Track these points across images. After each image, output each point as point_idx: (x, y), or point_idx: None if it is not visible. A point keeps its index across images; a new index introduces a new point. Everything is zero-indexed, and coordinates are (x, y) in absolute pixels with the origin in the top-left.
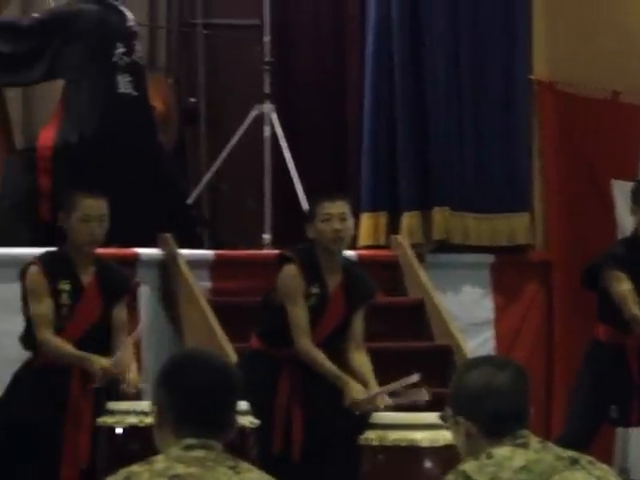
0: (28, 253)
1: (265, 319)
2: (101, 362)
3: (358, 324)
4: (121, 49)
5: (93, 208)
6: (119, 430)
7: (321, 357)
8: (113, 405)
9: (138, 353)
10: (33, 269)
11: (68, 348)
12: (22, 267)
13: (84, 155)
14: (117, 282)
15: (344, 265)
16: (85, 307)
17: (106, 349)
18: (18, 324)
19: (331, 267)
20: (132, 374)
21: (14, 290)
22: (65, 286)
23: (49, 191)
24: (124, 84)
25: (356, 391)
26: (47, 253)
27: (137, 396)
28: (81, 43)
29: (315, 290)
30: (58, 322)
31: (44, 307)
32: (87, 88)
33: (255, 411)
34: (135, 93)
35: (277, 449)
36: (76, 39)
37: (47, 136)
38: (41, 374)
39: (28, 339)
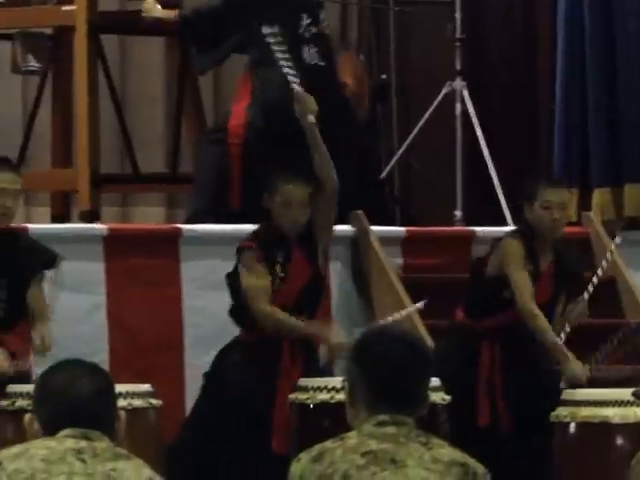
0: (218, 230)
1: (471, 290)
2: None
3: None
4: (307, 20)
5: (294, 194)
6: (310, 406)
7: (541, 315)
8: (305, 381)
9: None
10: (248, 251)
11: (292, 319)
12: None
13: (274, 130)
14: None
15: (555, 244)
16: (294, 275)
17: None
18: (212, 300)
19: (544, 247)
20: None
21: (210, 266)
22: (279, 260)
23: (239, 174)
24: (310, 55)
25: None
26: (257, 232)
27: None
28: (268, 15)
29: (528, 268)
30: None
31: (260, 281)
32: (274, 61)
33: (451, 385)
34: (322, 63)
35: (483, 422)
36: (263, 11)
37: (237, 114)
38: (251, 348)
39: (238, 315)
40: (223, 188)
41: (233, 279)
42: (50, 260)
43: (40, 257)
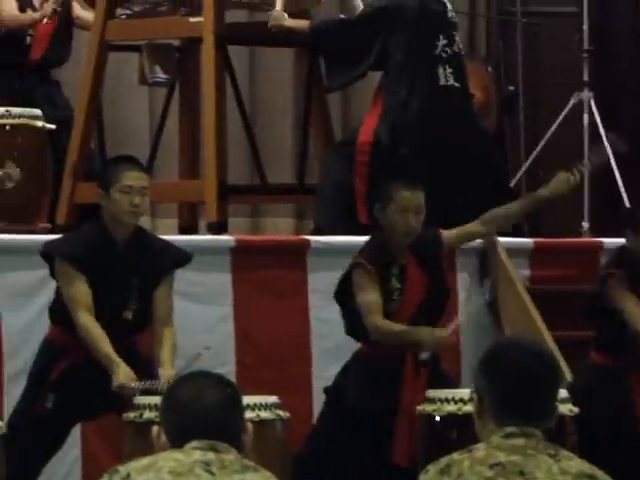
0: (345, 241)
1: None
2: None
3: None
4: (443, 41)
5: (409, 199)
6: (437, 418)
7: None
8: (433, 393)
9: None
10: (357, 267)
11: (403, 328)
12: (350, 263)
13: (404, 149)
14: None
15: None
16: (409, 288)
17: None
18: (339, 312)
19: None
20: None
21: (337, 278)
22: (393, 273)
23: (365, 191)
24: (446, 76)
25: None
26: (368, 245)
27: None
28: (404, 35)
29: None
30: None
31: (372, 296)
32: (407, 80)
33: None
34: (457, 85)
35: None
36: (399, 31)
37: (367, 131)
38: (373, 362)
39: (355, 331)
40: (350, 202)
41: (344, 297)
42: (182, 259)
43: (171, 256)
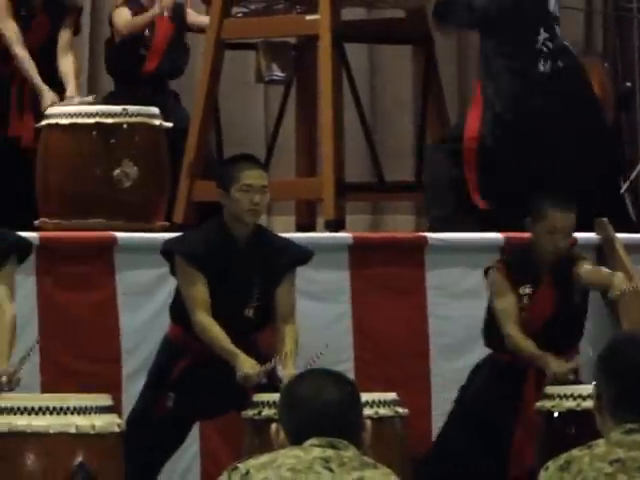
0: (462, 238)
1: None
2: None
3: None
4: (544, 34)
5: (560, 220)
6: (556, 414)
7: None
8: (552, 389)
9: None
10: (495, 271)
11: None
12: (485, 267)
13: (510, 144)
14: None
15: None
16: (538, 306)
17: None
18: (457, 309)
19: None
20: None
21: (455, 274)
22: (526, 290)
23: (476, 180)
24: (547, 69)
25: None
26: (511, 254)
27: None
28: (504, 29)
29: None
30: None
31: (508, 304)
32: (509, 74)
33: None
34: (561, 78)
35: None
36: (499, 25)
37: (471, 124)
38: (499, 368)
39: (489, 336)
40: (461, 197)
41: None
42: (303, 257)
43: (292, 254)
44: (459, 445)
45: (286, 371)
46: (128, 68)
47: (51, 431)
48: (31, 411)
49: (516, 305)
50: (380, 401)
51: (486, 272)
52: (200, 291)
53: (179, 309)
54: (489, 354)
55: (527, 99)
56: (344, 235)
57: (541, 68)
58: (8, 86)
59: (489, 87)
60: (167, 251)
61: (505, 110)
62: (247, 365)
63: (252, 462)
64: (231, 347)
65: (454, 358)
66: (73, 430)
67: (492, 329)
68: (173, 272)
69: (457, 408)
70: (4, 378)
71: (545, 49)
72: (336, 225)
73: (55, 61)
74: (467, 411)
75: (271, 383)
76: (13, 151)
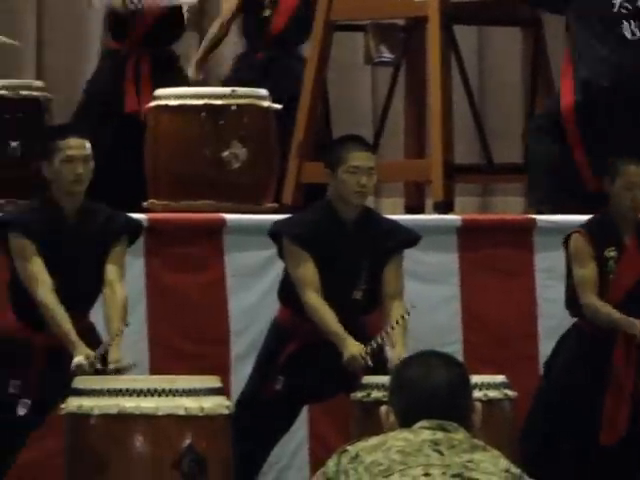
0: (571, 220)
1: None
2: None
3: None
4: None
5: (636, 175)
6: None
7: None
8: None
9: None
10: (576, 237)
11: (613, 316)
12: (566, 235)
13: (605, 110)
14: None
15: None
16: (624, 269)
17: None
18: (560, 291)
19: None
20: None
21: (563, 257)
22: (611, 253)
23: (585, 160)
24: (632, 30)
25: None
26: (591, 220)
27: None
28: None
29: None
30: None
31: (588, 272)
32: (593, 39)
33: None
34: None
35: None
36: None
37: (565, 95)
38: (585, 338)
39: (573, 305)
40: (567, 176)
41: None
42: (411, 239)
43: (400, 236)
44: (548, 421)
45: (395, 350)
46: (250, 28)
47: (160, 413)
48: (140, 393)
49: (596, 273)
50: (489, 383)
51: (566, 240)
52: (309, 272)
53: (288, 292)
54: (573, 324)
55: (616, 62)
56: (453, 217)
57: (626, 31)
58: (123, 62)
59: (575, 53)
60: (275, 233)
61: (595, 75)
62: (353, 348)
63: (361, 445)
64: (339, 329)
65: None
66: (182, 412)
67: (575, 298)
68: (281, 254)
69: (544, 384)
70: (112, 366)
71: (624, 11)
72: (445, 207)
73: None
74: (555, 385)
75: (379, 365)
76: (127, 130)
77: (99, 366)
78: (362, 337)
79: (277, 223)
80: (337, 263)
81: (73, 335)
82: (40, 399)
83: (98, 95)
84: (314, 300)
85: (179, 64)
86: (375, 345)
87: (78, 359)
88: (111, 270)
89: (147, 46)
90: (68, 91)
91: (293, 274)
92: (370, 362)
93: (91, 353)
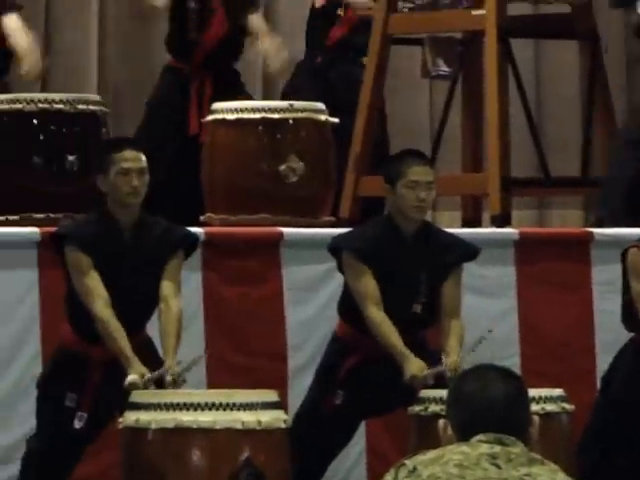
0: (629, 233)
1: None
2: None
3: None
4: None
5: None
6: None
7: None
8: None
9: None
10: (634, 251)
11: None
12: (624, 249)
13: None
14: None
15: None
16: None
17: None
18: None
19: None
20: None
21: (620, 270)
22: None
23: None
24: None
25: None
26: None
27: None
28: None
29: None
30: None
31: None
32: None
33: None
34: None
35: None
36: None
37: None
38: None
39: (629, 320)
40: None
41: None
42: (470, 253)
43: (459, 250)
44: (605, 436)
45: (449, 358)
46: (316, 36)
47: (217, 427)
48: (197, 407)
49: None
50: (547, 397)
51: (624, 254)
52: (370, 286)
53: (348, 306)
54: (630, 338)
55: None
56: (510, 230)
57: None
58: (186, 82)
59: None
60: (334, 248)
61: None
62: (415, 367)
63: (419, 458)
64: (400, 345)
65: None
66: (239, 426)
67: (631, 313)
68: (341, 269)
69: (602, 399)
70: (169, 377)
71: None
72: (502, 220)
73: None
74: (612, 400)
75: (439, 385)
76: (189, 148)
77: (153, 387)
78: (421, 351)
79: (337, 238)
80: (397, 277)
81: (128, 350)
82: (96, 412)
83: (161, 113)
84: (375, 314)
85: (241, 81)
86: (439, 371)
87: (132, 378)
88: (167, 285)
89: (209, 67)
90: (128, 106)
91: (354, 288)
92: (431, 381)
93: (146, 372)
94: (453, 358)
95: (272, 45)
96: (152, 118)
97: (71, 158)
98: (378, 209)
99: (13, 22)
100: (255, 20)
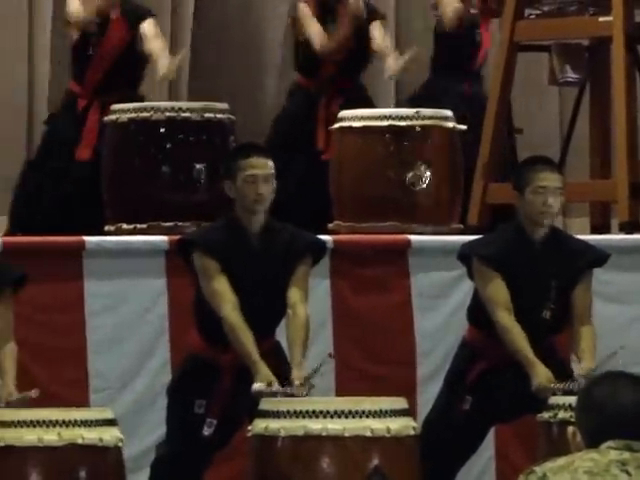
0: None
1: None
2: None
3: None
4: None
5: None
6: None
7: None
8: None
9: None
10: None
11: None
12: None
13: None
14: None
15: None
16: None
17: None
18: None
19: None
20: None
21: None
22: None
23: None
24: None
25: None
26: None
27: None
28: None
29: None
30: None
31: None
32: None
33: None
34: None
35: None
36: None
37: None
38: None
39: None
40: None
41: None
42: (600, 259)
43: (589, 256)
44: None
45: (584, 366)
46: (457, 60)
47: (346, 434)
48: (326, 414)
49: None
50: None
51: None
52: (500, 292)
53: (478, 313)
54: None
55: None
56: (639, 237)
57: None
58: (314, 101)
59: None
60: (464, 255)
61: None
62: (543, 376)
63: (549, 465)
64: (529, 352)
65: None
66: (368, 433)
67: None
68: (471, 276)
69: None
70: (297, 382)
71: None
72: (630, 227)
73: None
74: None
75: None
76: (318, 163)
77: (279, 397)
78: (550, 358)
79: (466, 245)
80: (526, 283)
81: (255, 355)
82: (226, 419)
83: (290, 134)
84: (506, 320)
85: (368, 95)
86: (569, 388)
87: (259, 385)
88: (294, 291)
89: (335, 82)
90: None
91: (484, 294)
92: (560, 393)
93: (272, 378)
94: (586, 364)
95: (388, 50)
96: (279, 140)
97: (198, 166)
98: (507, 217)
99: (152, 28)
100: (375, 29)
